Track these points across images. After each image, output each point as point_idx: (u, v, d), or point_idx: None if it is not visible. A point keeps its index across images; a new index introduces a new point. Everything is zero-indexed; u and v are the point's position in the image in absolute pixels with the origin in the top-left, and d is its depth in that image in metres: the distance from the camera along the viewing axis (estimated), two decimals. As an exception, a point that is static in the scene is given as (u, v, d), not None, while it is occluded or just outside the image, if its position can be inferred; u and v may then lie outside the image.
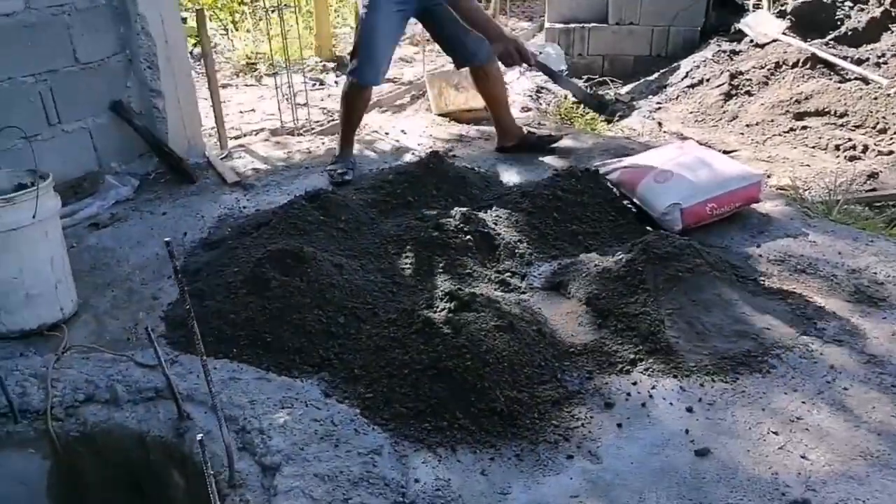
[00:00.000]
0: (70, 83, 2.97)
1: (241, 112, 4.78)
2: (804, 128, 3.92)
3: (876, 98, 3.92)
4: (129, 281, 2.38)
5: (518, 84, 4.80)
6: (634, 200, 2.78)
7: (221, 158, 3.45)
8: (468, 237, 2.44)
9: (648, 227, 2.65)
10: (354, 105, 3.32)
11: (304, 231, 2.48)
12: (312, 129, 4.37)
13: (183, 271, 2.42)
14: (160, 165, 3.27)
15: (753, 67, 4.53)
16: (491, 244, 2.50)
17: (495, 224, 2.66)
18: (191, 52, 5.74)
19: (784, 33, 4.81)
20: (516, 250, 2.52)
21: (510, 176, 3.25)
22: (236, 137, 4.12)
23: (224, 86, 5.56)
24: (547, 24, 5.93)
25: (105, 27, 3.06)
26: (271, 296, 2.05)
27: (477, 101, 4.31)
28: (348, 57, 6.66)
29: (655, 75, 5.09)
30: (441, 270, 2.30)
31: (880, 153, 3.57)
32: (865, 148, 3.66)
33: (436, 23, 3.27)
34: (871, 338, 2.04)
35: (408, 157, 3.47)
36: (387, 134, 3.85)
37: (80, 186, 2.99)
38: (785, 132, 3.93)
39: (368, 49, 3.17)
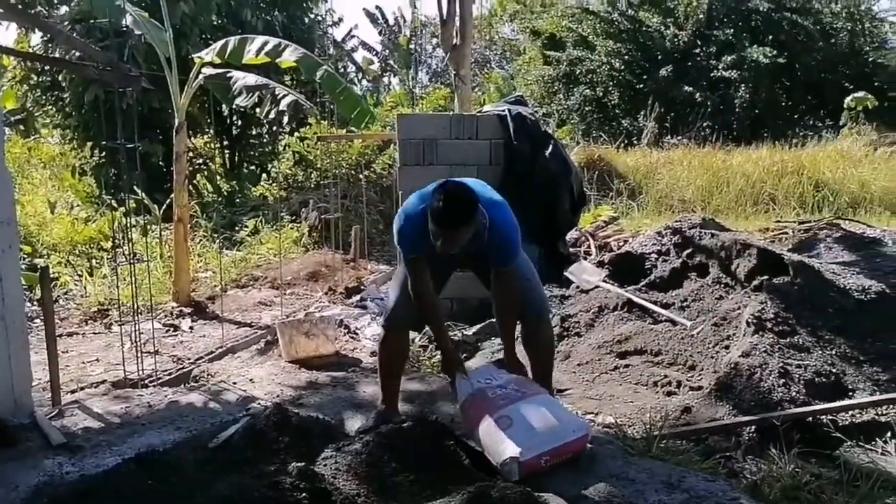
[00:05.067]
0: None
1: (83, 363, 4.60)
2: (627, 366, 4.34)
3: (683, 338, 4.45)
4: None
5: (370, 329, 5.04)
6: (472, 444, 2.91)
7: (50, 417, 3.28)
8: (304, 495, 2.42)
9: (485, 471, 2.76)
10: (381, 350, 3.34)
11: (131, 500, 2.36)
12: (160, 378, 4.27)
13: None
14: (-22, 428, 3.05)
15: (581, 311, 5.07)
16: (328, 501, 2.49)
17: (334, 478, 2.66)
18: (36, 300, 5.60)
19: (604, 280, 5.49)
20: (355, 506, 2.51)
21: (354, 423, 3.32)
22: (73, 391, 3.93)
23: (70, 334, 5.39)
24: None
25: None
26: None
27: (327, 348, 4.47)
28: (207, 302, 6.67)
29: (498, 317, 5.49)
30: (273, 535, 2.24)
31: (691, 388, 3.98)
32: (679, 384, 4.08)
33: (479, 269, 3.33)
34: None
35: (254, 408, 3.45)
36: (234, 383, 3.85)
37: None
38: (611, 370, 4.32)
39: (394, 290, 3.27)
